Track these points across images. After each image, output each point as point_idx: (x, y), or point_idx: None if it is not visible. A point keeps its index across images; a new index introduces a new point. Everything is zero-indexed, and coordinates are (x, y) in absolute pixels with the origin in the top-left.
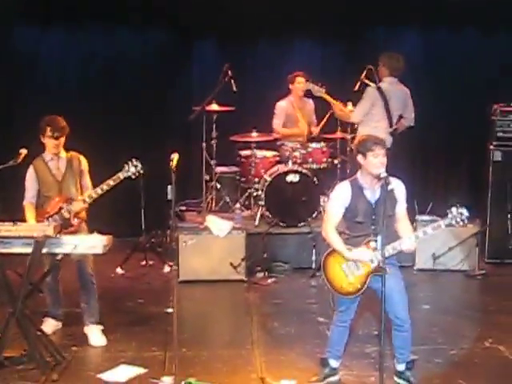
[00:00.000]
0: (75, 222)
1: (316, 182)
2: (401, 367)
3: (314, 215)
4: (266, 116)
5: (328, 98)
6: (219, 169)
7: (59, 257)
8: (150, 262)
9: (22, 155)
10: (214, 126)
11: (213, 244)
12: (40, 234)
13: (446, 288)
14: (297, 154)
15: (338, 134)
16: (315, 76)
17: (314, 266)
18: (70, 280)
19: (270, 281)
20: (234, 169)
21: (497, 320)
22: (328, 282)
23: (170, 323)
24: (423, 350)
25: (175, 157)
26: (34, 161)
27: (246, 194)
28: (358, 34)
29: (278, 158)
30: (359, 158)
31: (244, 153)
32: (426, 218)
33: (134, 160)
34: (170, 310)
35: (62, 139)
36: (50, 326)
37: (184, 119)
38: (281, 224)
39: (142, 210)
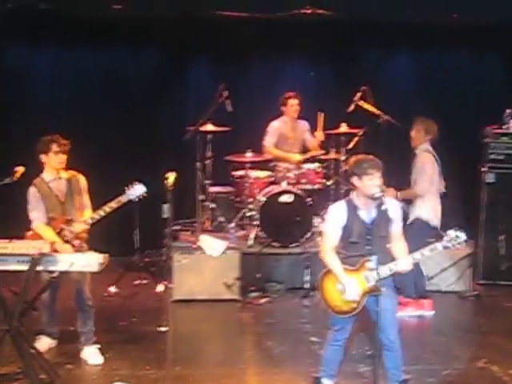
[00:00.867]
0: (76, 243)
1: (310, 203)
2: None
3: (307, 236)
4: (260, 136)
5: None
6: (214, 189)
7: (55, 274)
8: (144, 281)
9: (19, 173)
10: (209, 146)
11: (207, 263)
12: (36, 251)
13: (439, 309)
14: (291, 174)
15: (332, 155)
16: (308, 97)
17: (307, 286)
18: (65, 298)
19: (263, 300)
20: (229, 189)
21: (490, 340)
22: (324, 300)
23: (163, 342)
24: (416, 369)
25: (171, 175)
26: (35, 181)
27: (241, 213)
28: (352, 55)
29: (272, 179)
30: (354, 179)
31: (238, 173)
32: None
33: (136, 183)
34: (163, 329)
35: (64, 155)
36: (44, 343)
37: (178, 139)
38: (274, 244)
39: (137, 229)
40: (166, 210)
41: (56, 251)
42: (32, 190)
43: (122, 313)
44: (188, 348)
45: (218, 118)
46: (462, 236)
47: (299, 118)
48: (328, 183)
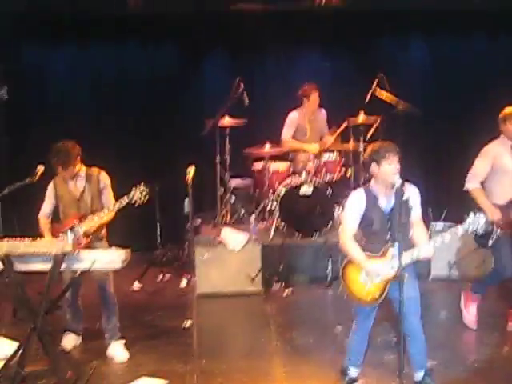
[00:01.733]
0: (83, 239)
1: (330, 193)
2: (419, 375)
3: (328, 226)
4: (278, 128)
5: None
6: (233, 182)
7: (78, 272)
8: (167, 276)
9: (39, 173)
10: (227, 140)
11: (229, 257)
12: (59, 250)
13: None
14: (310, 165)
15: (351, 145)
16: (325, 87)
17: (330, 275)
18: (90, 295)
19: (286, 292)
20: (249, 181)
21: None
22: (347, 290)
23: (189, 336)
24: (441, 357)
25: (191, 170)
26: (56, 177)
27: (261, 206)
28: (366, 44)
29: (291, 170)
30: (373, 166)
31: (257, 165)
32: (441, 224)
33: (141, 186)
34: (188, 325)
35: (72, 167)
36: (70, 340)
37: (197, 133)
38: (296, 235)
39: (158, 224)
40: (187, 204)
41: None
42: (50, 186)
43: (146, 308)
44: (213, 341)
45: (235, 111)
46: (482, 218)
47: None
48: (347, 173)
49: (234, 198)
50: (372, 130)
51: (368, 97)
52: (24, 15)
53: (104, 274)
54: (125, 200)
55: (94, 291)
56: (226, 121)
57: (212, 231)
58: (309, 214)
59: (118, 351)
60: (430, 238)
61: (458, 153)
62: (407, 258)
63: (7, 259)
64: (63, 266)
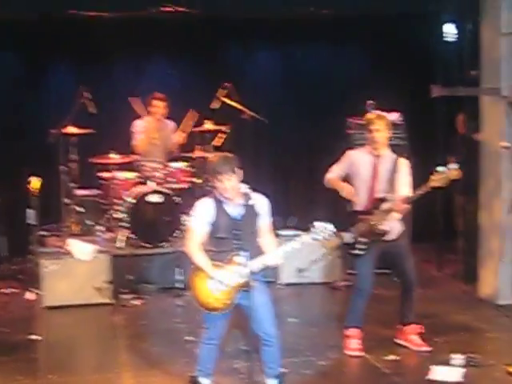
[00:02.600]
0: None
1: (177, 202)
2: (271, 382)
3: (176, 234)
4: (124, 137)
5: None
6: (80, 192)
7: None
8: (13, 290)
9: None
10: (73, 149)
11: (76, 268)
12: None
13: (312, 300)
14: (157, 174)
15: (198, 153)
16: (173, 95)
17: (179, 285)
18: None
19: (136, 302)
20: (95, 191)
21: (363, 329)
22: (195, 298)
23: (36, 350)
24: (292, 362)
25: (34, 180)
26: None
27: (108, 216)
28: (214, 52)
29: (138, 179)
30: (211, 178)
31: (104, 175)
32: (288, 232)
33: None
34: (35, 337)
35: None
36: None
37: (42, 142)
38: (144, 245)
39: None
40: (31, 215)
41: None
42: None
43: None
44: (62, 355)
45: (81, 120)
46: (330, 227)
47: (167, 118)
48: (196, 181)
49: (80, 208)
50: (220, 137)
51: (216, 105)
52: None
53: None
54: None
55: None
56: (72, 130)
57: (58, 243)
58: (157, 222)
59: None
60: (279, 245)
61: (306, 161)
62: (256, 265)
63: None
64: None
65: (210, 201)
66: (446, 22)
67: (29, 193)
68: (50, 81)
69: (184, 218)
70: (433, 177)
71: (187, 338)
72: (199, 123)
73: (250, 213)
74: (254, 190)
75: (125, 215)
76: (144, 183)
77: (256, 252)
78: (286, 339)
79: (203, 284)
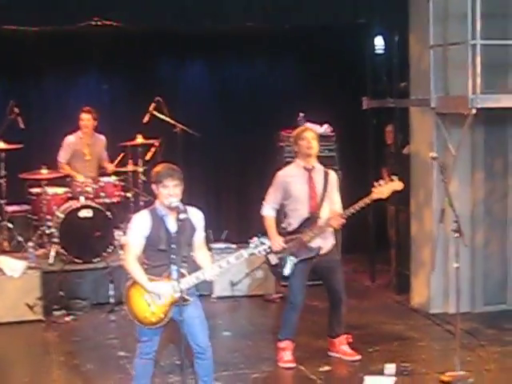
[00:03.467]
0: None
1: (109, 217)
2: None
3: (109, 250)
4: (55, 152)
5: None
6: (10, 208)
7: None
8: None
9: None
10: (3, 164)
11: (6, 285)
12: None
13: (245, 313)
14: (88, 189)
15: (130, 167)
16: (105, 109)
17: (112, 300)
18: None
19: (68, 319)
20: (26, 207)
21: (296, 341)
22: (131, 312)
23: None
24: (226, 375)
25: None
26: None
27: (39, 232)
28: (146, 66)
29: (69, 194)
30: (154, 187)
31: (34, 190)
32: (221, 245)
33: None
34: None
35: None
36: None
37: None
38: (76, 261)
39: None
40: None
41: None
42: None
43: None
44: None
45: (10, 135)
46: (267, 242)
47: (98, 132)
48: (127, 195)
49: (10, 224)
50: (151, 151)
51: (146, 119)
52: None
53: None
54: None
55: None
56: (1, 145)
57: None
58: (89, 238)
59: None
60: (213, 260)
61: (237, 175)
62: (191, 280)
63: None
64: None
65: (146, 213)
66: (376, 35)
67: None
68: None
69: (116, 232)
70: (374, 189)
71: (121, 353)
72: (130, 138)
73: (186, 227)
74: (188, 203)
75: (56, 231)
76: (75, 198)
77: (192, 266)
78: (220, 353)
79: (140, 298)
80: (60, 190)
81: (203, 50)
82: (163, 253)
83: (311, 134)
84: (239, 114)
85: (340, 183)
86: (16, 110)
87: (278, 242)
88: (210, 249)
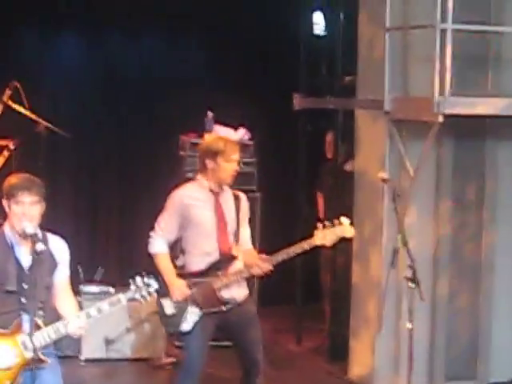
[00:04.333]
0: None
1: None
2: None
3: None
4: None
5: None
6: None
7: None
8: None
9: None
10: None
11: None
12: None
13: (125, 383)
14: None
15: None
16: None
17: None
18: None
19: None
20: None
21: None
22: None
23: None
24: None
25: None
26: None
27: None
28: (3, 40)
29: None
30: (4, 203)
31: None
32: (94, 288)
33: None
34: None
35: None
36: None
37: None
38: None
39: None
40: None
41: None
42: None
43: None
44: None
45: None
46: (154, 284)
47: None
48: None
49: None
50: (3, 156)
51: None
52: None
53: None
54: None
55: None
56: None
57: None
58: None
59: None
60: (82, 307)
61: (122, 192)
62: (49, 335)
63: None
64: None
65: None
66: (314, 10)
67: None
68: None
69: None
70: (317, 232)
71: None
72: None
73: (44, 261)
74: (48, 230)
75: None
76: None
77: (50, 315)
78: None
79: None
80: None
81: (80, 21)
82: (11, 295)
83: (234, 147)
84: (126, 108)
85: (258, 210)
86: None
87: (180, 289)
88: (77, 292)
